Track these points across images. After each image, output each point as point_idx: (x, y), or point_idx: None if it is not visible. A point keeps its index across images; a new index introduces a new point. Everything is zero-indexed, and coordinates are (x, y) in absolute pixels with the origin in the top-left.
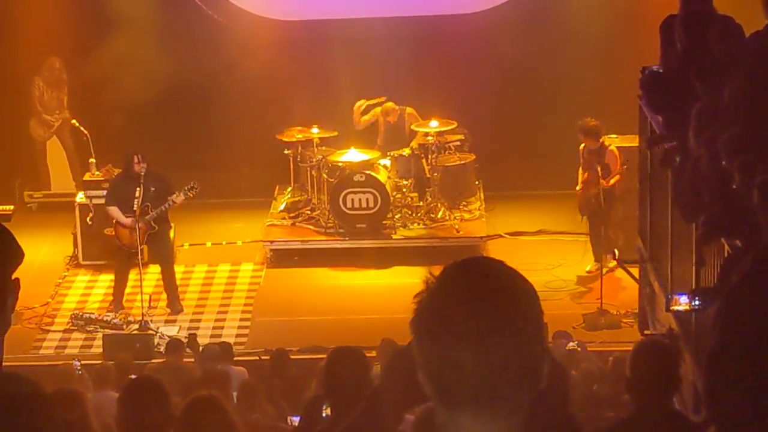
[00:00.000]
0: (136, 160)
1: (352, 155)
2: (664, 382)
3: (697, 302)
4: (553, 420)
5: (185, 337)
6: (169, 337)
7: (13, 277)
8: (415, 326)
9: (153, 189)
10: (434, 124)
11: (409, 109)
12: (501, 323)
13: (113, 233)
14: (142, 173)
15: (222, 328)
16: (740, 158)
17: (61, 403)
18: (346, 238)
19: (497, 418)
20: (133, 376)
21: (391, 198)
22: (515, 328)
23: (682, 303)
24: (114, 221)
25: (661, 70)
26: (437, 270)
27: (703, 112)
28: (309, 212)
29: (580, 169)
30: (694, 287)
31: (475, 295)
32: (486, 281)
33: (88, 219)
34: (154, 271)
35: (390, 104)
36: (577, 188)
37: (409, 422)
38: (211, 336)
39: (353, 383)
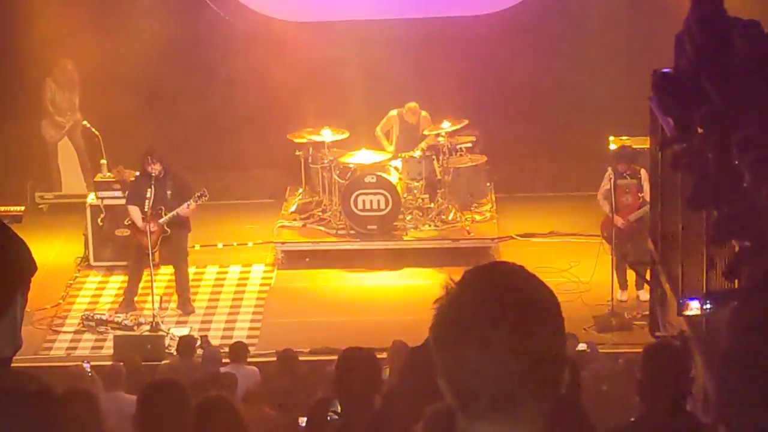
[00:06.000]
0: (148, 160)
1: (364, 156)
2: (675, 384)
3: (708, 306)
4: (567, 421)
5: (200, 337)
6: (179, 336)
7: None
8: (436, 333)
9: (169, 192)
10: (446, 125)
11: (423, 113)
12: (522, 332)
13: (129, 233)
14: (154, 174)
15: (233, 329)
16: (752, 156)
17: (74, 403)
18: (357, 240)
19: (518, 426)
20: (153, 379)
21: (403, 199)
22: (536, 337)
23: (694, 308)
24: (130, 221)
25: (672, 72)
26: (457, 275)
27: (712, 114)
28: (320, 213)
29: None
30: (705, 291)
31: (496, 304)
32: (507, 289)
33: (99, 220)
34: (165, 272)
35: (413, 104)
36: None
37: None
38: (222, 337)
39: (364, 385)
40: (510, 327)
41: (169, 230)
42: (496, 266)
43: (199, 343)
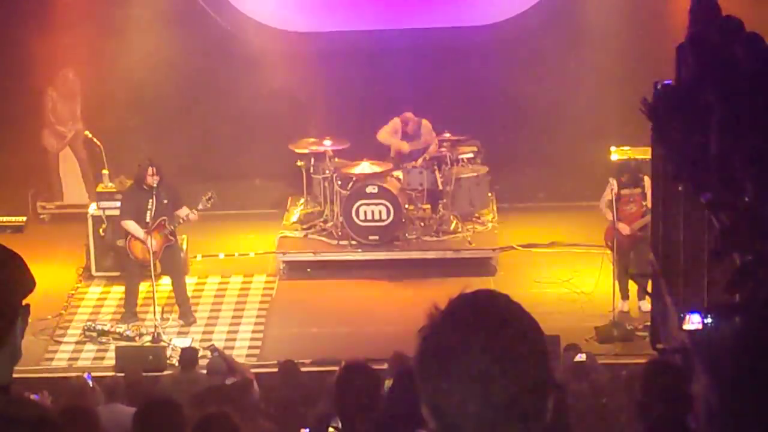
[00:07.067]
0: (150, 171)
1: (365, 167)
2: (676, 404)
3: (709, 320)
4: None
5: (209, 348)
6: (181, 348)
7: (23, 302)
8: (419, 363)
9: (166, 201)
10: (447, 136)
11: (424, 121)
12: (505, 365)
13: (125, 245)
14: (155, 185)
15: (234, 339)
16: (755, 169)
17: (72, 421)
18: (359, 250)
19: None
20: (149, 398)
21: (404, 210)
22: (519, 367)
23: (695, 321)
24: (128, 234)
25: (674, 84)
26: (457, 286)
27: (715, 125)
28: (322, 224)
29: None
30: (706, 305)
31: (480, 334)
32: (490, 319)
33: (100, 230)
34: (166, 282)
35: (409, 114)
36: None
37: None
38: (224, 348)
39: (363, 401)
40: (493, 357)
41: (173, 239)
42: (480, 295)
43: (201, 353)
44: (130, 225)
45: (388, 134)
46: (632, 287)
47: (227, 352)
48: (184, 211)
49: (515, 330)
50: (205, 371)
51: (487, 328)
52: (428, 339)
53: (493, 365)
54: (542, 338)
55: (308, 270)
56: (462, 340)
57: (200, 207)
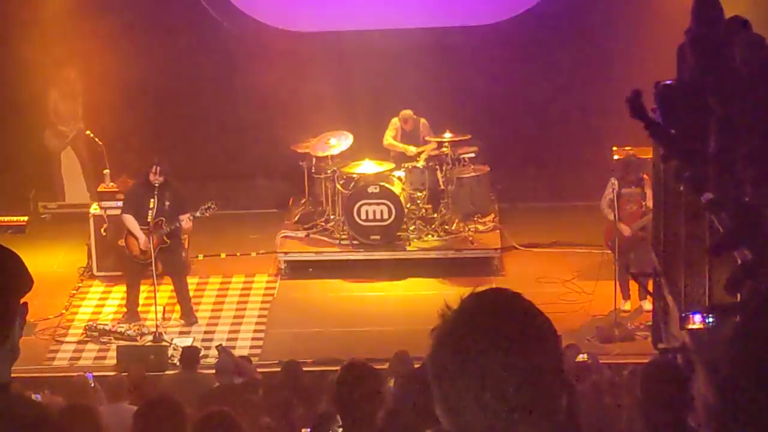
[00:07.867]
0: (153, 170)
1: (367, 167)
2: (676, 403)
3: (710, 319)
4: None
5: (217, 347)
6: (182, 348)
7: (21, 301)
8: (433, 363)
9: (168, 203)
10: (448, 136)
11: (422, 120)
12: (520, 363)
13: (124, 243)
14: (157, 184)
15: (236, 339)
16: (754, 169)
17: (74, 420)
18: (360, 250)
19: None
20: (150, 397)
21: (406, 210)
22: (533, 364)
23: (696, 322)
24: (126, 231)
25: (675, 84)
26: (460, 285)
27: (715, 126)
28: (323, 224)
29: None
30: (707, 305)
31: (494, 334)
32: (504, 318)
33: (102, 230)
34: (168, 282)
35: (408, 111)
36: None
37: None
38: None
39: (364, 400)
40: (507, 355)
41: (168, 241)
42: (493, 295)
43: (203, 352)
44: (129, 220)
45: (392, 138)
46: (633, 287)
47: None
48: (185, 219)
49: (529, 328)
50: (206, 371)
51: (501, 327)
52: (441, 338)
53: (507, 363)
54: (555, 336)
55: (310, 270)
56: (476, 338)
57: (197, 215)
